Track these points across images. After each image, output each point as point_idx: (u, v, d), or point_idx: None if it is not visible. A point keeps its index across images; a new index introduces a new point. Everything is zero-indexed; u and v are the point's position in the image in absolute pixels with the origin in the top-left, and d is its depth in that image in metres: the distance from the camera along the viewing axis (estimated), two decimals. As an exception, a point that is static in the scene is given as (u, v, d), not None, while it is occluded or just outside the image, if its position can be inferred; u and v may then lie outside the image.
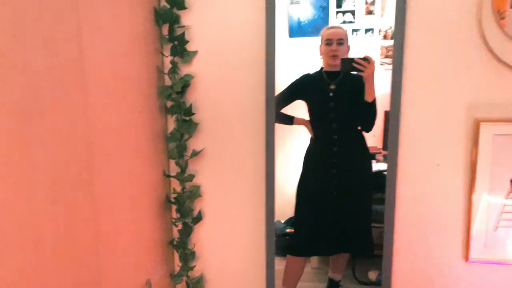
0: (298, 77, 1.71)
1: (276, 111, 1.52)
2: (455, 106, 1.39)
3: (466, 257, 1.47)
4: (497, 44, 1.32)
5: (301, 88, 1.72)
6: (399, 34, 1.36)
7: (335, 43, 1.64)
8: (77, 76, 1.05)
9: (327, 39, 1.65)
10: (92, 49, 1.11)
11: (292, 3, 1.76)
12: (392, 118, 1.42)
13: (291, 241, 1.86)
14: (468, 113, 1.39)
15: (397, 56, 1.38)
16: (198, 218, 1.62)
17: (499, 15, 1.30)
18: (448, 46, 1.36)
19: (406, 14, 1.35)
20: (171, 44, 1.50)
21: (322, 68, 1.71)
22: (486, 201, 1.42)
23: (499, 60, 1.32)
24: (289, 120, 1.72)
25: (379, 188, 1.67)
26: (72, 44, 1.03)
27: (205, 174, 1.61)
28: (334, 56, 1.64)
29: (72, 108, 1.04)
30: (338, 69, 1.62)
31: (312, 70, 1.72)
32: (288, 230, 1.94)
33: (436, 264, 1.51)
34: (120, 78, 1.27)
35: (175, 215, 1.64)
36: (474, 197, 1.42)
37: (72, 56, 1.03)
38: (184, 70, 1.54)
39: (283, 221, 1.95)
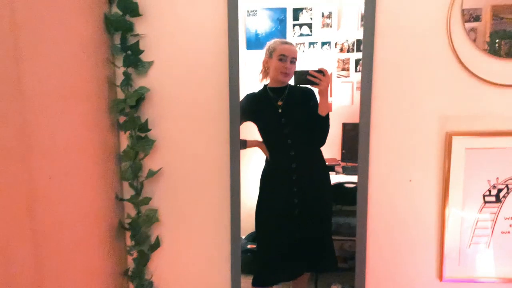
0: (241, 98, 1.64)
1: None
2: (426, 120, 1.35)
3: (441, 276, 1.41)
4: (467, 56, 1.29)
5: (248, 109, 1.64)
6: (368, 45, 1.31)
7: (289, 60, 1.59)
8: (11, 89, 0.90)
9: (282, 55, 1.60)
10: (31, 58, 0.96)
11: (249, 15, 1.73)
12: (362, 132, 1.36)
13: (256, 272, 1.75)
14: (440, 127, 1.34)
15: (366, 67, 1.32)
16: (156, 245, 1.48)
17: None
18: (419, 58, 1.32)
19: (375, 26, 1.30)
20: (124, 54, 1.37)
21: (265, 86, 1.65)
22: (459, 217, 1.37)
23: (470, 72, 1.29)
24: (242, 144, 1.64)
25: (340, 200, 1.67)
26: (5, 52, 0.88)
27: (162, 196, 1.47)
28: (285, 74, 1.59)
29: (6, 126, 0.88)
30: (283, 85, 1.60)
31: (256, 88, 1.67)
32: (249, 246, 1.86)
33: (410, 283, 1.44)
34: (64, 91, 1.12)
35: (129, 242, 1.48)
36: (447, 212, 1.37)
37: (5, 66, 0.88)
38: (139, 82, 1.41)
39: (244, 237, 1.85)
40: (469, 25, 1.28)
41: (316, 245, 1.69)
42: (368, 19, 1.30)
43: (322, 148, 1.63)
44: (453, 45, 1.28)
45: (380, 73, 1.33)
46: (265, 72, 1.68)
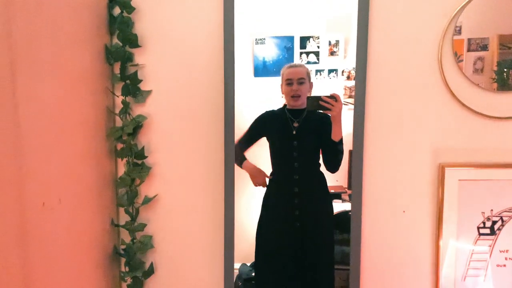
0: (260, 113, 1.66)
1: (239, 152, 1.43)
2: (419, 151, 1.35)
3: (436, 310, 1.39)
4: (458, 87, 1.30)
5: (263, 125, 1.66)
6: (360, 76, 1.33)
7: (295, 82, 1.60)
8: (6, 115, 0.93)
9: (288, 79, 1.61)
10: (29, 87, 1.00)
11: (257, 43, 1.76)
12: (355, 162, 1.37)
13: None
14: (432, 158, 1.35)
15: (358, 96, 1.34)
16: (150, 272, 1.47)
17: (457, 58, 1.29)
18: (411, 90, 1.33)
19: (368, 57, 1.32)
20: (123, 83, 1.40)
21: (285, 105, 1.66)
22: (454, 248, 1.36)
23: (461, 104, 1.30)
24: (240, 162, 1.64)
25: (346, 229, 1.60)
26: (1, 81, 0.92)
27: (158, 223, 1.48)
28: (296, 97, 1.60)
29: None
30: (301, 107, 1.60)
31: (275, 107, 1.68)
32: (254, 274, 1.82)
33: (405, 317, 1.42)
34: (62, 118, 1.15)
35: (124, 268, 1.48)
36: (441, 243, 1.35)
37: (1, 94, 0.91)
38: (137, 110, 1.44)
39: (248, 264, 1.83)
40: (476, 54, 1.29)
41: (316, 276, 1.65)
42: (360, 50, 1.32)
43: (329, 175, 1.62)
44: (444, 76, 1.30)
45: (373, 102, 1.35)
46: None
